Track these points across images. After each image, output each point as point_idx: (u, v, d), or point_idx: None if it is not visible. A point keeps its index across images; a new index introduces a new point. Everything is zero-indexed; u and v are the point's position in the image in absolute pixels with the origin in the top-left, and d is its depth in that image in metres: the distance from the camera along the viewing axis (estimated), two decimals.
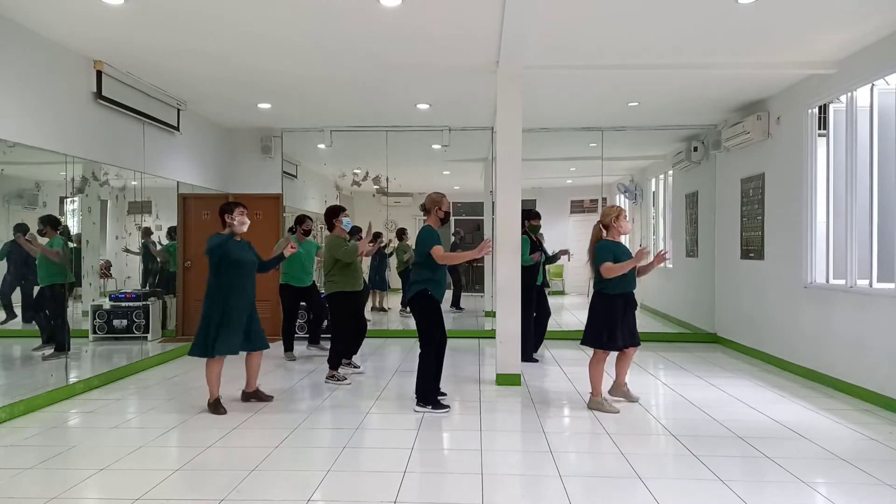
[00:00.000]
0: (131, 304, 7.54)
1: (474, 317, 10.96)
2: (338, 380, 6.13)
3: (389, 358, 7.60)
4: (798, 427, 4.70)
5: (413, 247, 5.34)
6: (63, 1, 4.76)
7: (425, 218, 5.29)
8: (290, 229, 7.64)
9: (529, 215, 7.63)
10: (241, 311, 5.00)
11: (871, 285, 5.52)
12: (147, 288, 8.12)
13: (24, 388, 5.41)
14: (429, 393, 5.14)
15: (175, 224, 8.61)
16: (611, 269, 4.97)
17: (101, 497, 3.50)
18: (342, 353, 6.35)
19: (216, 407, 5.05)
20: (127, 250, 7.87)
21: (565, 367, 7.02)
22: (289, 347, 7.46)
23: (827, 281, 6.26)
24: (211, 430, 4.55)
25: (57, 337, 6.10)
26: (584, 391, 5.87)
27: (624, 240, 5.32)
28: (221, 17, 5.04)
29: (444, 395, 5.39)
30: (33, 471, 3.77)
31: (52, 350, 6.06)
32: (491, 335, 7.33)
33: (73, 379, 5.74)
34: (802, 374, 6.49)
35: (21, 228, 6.02)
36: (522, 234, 7.47)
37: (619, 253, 5.09)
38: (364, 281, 6.59)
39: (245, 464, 3.84)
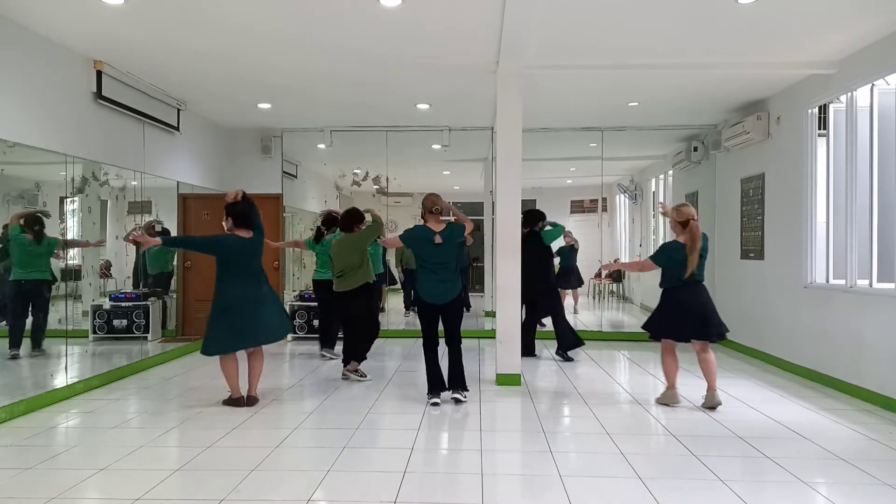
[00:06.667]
0: (131, 304, 7.54)
1: (474, 317, 10.95)
2: (360, 375, 6.26)
3: (390, 358, 7.59)
4: (798, 427, 4.70)
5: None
6: (63, 1, 4.76)
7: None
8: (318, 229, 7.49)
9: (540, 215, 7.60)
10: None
11: (871, 285, 5.52)
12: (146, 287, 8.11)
13: (24, 387, 5.41)
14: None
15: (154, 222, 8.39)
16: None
17: (101, 497, 3.50)
18: (362, 349, 6.39)
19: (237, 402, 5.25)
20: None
21: (565, 366, 7.02)
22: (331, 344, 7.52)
23: (827, 281, 6.26)
24: (211, 430, 4.55)
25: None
26: (584, 390, 5.88)
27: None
28: (221, 16, 5.04)
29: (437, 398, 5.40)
30: (33, 471, 3.77)
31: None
32: (491, 335, 7.33)
33: (72, 379, 5.74)
34: (803, 374, 6.49)
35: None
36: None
37: (673, 251, 5.25)
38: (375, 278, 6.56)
39: (245, 464, 3.84)
